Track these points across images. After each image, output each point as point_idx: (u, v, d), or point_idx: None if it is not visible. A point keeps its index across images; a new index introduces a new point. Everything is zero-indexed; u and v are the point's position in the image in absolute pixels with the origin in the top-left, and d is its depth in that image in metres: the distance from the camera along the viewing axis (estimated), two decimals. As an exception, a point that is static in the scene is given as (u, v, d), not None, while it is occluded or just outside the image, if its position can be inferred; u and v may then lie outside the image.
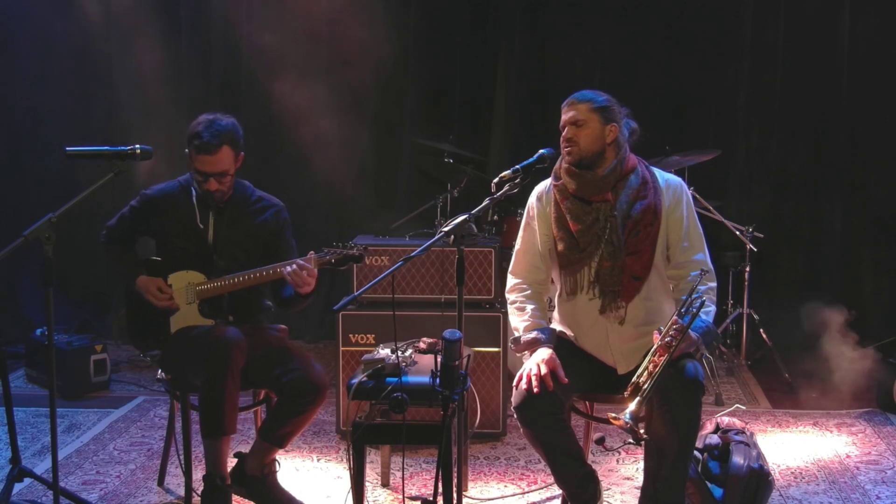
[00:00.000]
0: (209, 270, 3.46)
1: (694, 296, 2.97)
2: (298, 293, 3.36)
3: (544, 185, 3.27)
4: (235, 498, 3.35)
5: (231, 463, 3.36)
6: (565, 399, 3.05)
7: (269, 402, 3.57)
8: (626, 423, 2.75)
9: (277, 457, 3.43)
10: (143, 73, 5.91)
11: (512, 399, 3.01)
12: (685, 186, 3.21)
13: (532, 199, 3.28)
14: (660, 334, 2.90)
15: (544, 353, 3.04)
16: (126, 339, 5.13)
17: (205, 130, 3.33)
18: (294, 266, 3.29)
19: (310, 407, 3.31)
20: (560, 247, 3.16)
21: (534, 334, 3.12)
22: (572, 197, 3.13)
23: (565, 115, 3.12)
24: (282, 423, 3.34)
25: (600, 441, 3.11)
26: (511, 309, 3.27)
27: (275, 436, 3.35)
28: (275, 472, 3.40)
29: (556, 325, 3.30)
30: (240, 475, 3.37)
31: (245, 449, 3.48)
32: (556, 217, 3.17)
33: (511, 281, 3.30)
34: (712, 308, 3.08)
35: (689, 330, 2.91)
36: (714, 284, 3.13)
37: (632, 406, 2.77)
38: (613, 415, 2.78)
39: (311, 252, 3.34)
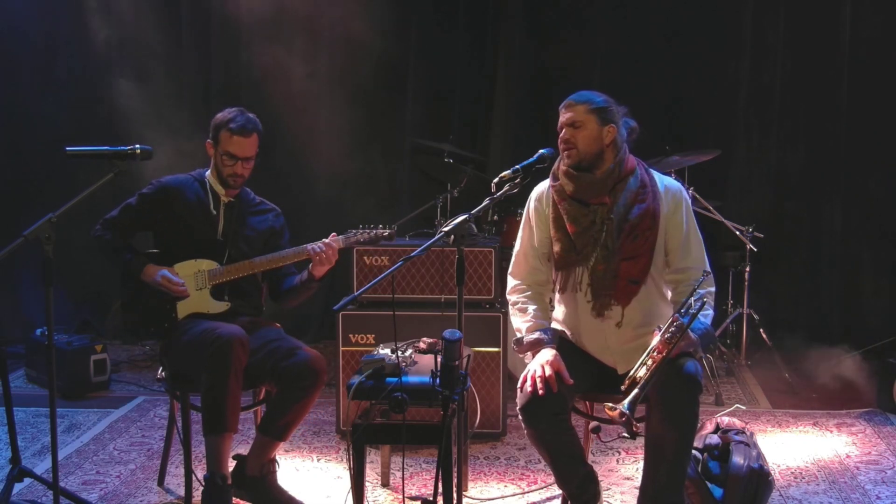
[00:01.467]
0: (220, 258, 3.54)
1: (694, 297, 2.97)
2: (310, 277, 3.47)
3: (543, 185, 3.26)
4: (235, 499, 3.35)
5: (230, 466, 3.35)
6: (569, 400, 3.05)
7: (269, 400, 3.56)
8: (623, 412, 2.74)
9: (277, 457, 3.43)
10: (143, 72, 5.91)
11: (517, 400, 3.00)
12: (685, 192, 3.20)
13: (531, 201, 3.27)
14: (659, 332, 2.90)
15: (548, 354, 3.02)
16: (123, 329, 5.12)
17: (238, 116, 3.50)
18: (321, 244, 3.43)
19: (310, 391, 3.33)
20: (557, 248, 3.15)
21: (536, 335, 3.11)
22: (570, 199, 3.12)
23: (563, 117, 3.11)
24: (282, 412, 3.35)
25: (596, 430, 3.09)
26: (512, 310, 3.26)
27: (275, 427, 3.36)
28: (274, 472, 3.40)
29: (556, 326, 3.30)
30: (239, 477, 3.37)
31: (244, 451, 3.48)
32: (554, 218, 3.16)
33: (511, 283, 3.30)
34: (711, 312, 3.08)
35: (689, 330, 2.91)
36: (713, 290, 3.12)
37: (629, 397, 2.77)
38: (610, 405, 2.78)
39: (334, 234, 3.47)
